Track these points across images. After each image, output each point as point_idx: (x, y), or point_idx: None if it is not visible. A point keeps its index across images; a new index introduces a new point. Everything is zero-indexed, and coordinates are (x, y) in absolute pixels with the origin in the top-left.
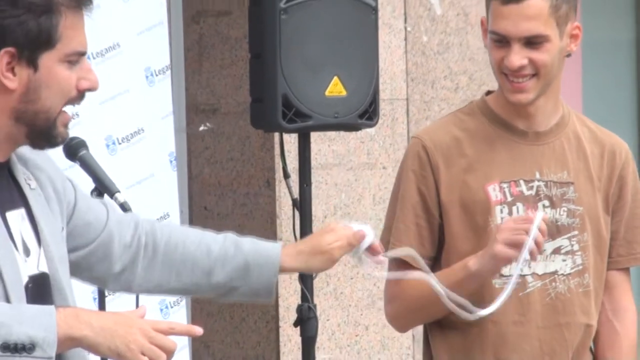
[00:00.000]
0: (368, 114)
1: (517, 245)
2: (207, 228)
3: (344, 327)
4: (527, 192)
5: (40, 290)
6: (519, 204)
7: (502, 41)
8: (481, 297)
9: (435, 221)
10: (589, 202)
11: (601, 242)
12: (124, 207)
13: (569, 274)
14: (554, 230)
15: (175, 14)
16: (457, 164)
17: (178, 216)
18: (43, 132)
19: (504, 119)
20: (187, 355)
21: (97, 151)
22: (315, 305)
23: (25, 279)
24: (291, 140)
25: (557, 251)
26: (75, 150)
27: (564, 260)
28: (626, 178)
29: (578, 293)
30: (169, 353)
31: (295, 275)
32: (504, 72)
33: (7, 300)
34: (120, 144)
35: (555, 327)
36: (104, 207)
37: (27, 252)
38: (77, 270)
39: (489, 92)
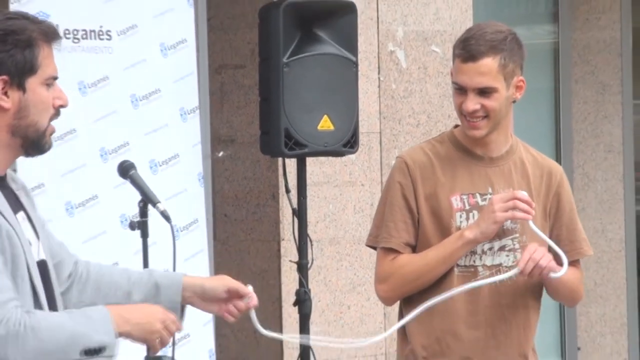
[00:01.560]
0: (350, 144)
1: (510, 209)
2: (227, 231)
3: (331, 307)
4: (481, 203)
5: (43, 272)
6: (475, 211)
7: (461, 90)
8: (441, 283)
9: (415, 220)
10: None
11: (537, 242)
12: (164, 215)
13: (511, 266)
14: (500, 232)
15: (203, 67)
16: (430, 179)
17: (204, 221)
18: (34, 142)
19: (466, 146)
20: (211, 328)
21: (143, 171)
22: (309, 290)
23: (37, 260)
24: (291, 164)
25: (502, 249)
26: (126, 171)
27: (507, 256)
28: (561, 194)
29: (517, 281)
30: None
31: (294, 267)
32: (462, 113)
33: (30, 278)
34: (160, 166)
35: (497, 307)
36: (64, 245)
37: (30, 244)
38: None
39: (456, 126)
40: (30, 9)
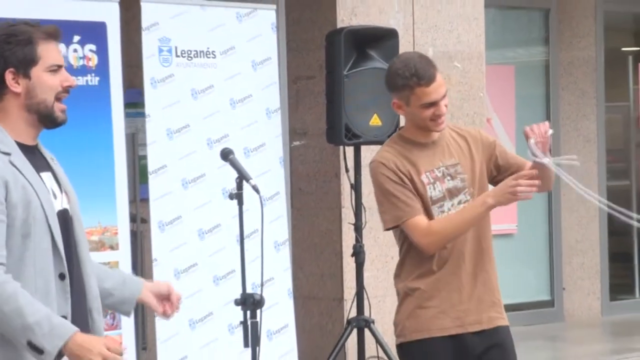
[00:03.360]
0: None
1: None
2: (301, 201)
3: (379, 258)
4: (439, 175)
5: (64, 217)
6: (437, 182)
7: (432, 104)
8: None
9: (413, 191)
10: (470, 171)
11: (483, 187)
12: (255, 188)
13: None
14: (455, 191)
15: (283, 78)
16: (403, 167)
17: (284, 193)
18: (46, 116)
19: (412, 139)
20: (289, 273)
21: (239, 156)
22: (363, 245)
23: (56, 210)
24: (349, 150)
25: (459, 202)
26: (226, 155)
27: (463, 205)
28: (486, 140)
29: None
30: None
31: (352, 227)
32: (432, 119)
33: (47, 223)
34: (252, 152)
35: (462, 242)
36: None
37: (54, 196)
38: None
39: (400, 128)
40: (157, 35)
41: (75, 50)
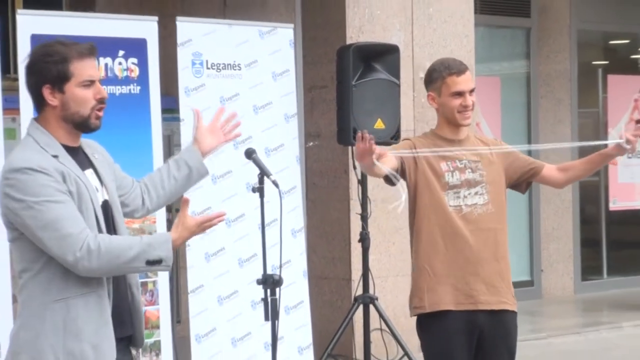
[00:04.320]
0: (395, 137)
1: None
2: (315, 193)
3: (382, 243)
4: (460, 166)
5: (106, 209)
6: (457, 172)
7: (460, 94)
8: (443, 219)
9: (402, 162)
10: (489, 169)
11: (499, 188)
12: (275, 183)
13: (482, 204)
14: (474, 183)
15: (299, 87)
16: (422, 147)
17: (300, 187)
18: (81, 124)
19: (442, 135)
20: (304, 256)
21: (261, 155)
22: (368, 232)
23: (100, 202)
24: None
25: (476, 193)
26: (250, 154)
27: (479, 197)
28: (505, 148)
29: (486, 213)
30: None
31: (358, 217)
32: (459, 110)
33: (95, 214)
34: (272, 151)
35: (476, 230)
36: (128, 176)
37: (96, 189)
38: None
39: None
40: (190, 50)
41: (120, 63)
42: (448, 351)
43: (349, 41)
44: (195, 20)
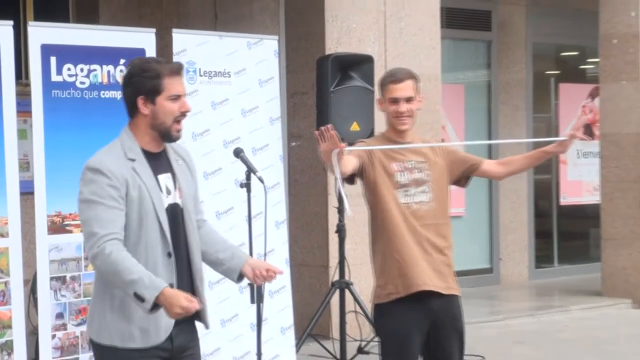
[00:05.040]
0: (369, 138)
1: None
2: (297, 189)
3: (357, 234)
4: (409, 166)
5: (174, 211)
6: (406, 172)
7: (396, 101)
8: (390, 217)
9: (360, 163)
10: (434, 169)
11: (443, 186)
12: (260, 179)
13: (427, 201)
14: (420, 181)
15: (283, 93)
16: (378, 155)
17: (283, 183)
18: (164, 133)
19: (390, 137)
20: (287, 245)
21: (248, 154)
22: (344, 224)
23: (165, 206)
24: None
25: (422, 192)
26: (238, 153)
27: (425, 195)
28: (446, 149)
29: (430, 209)
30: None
31: (335, 210)
32: (395, 116)
33: (157, 216)
34: (258, 150)
35: (424, 225)
36: (202, 211)
37: (168, 192)
38: None
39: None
40: (185, 59)
41: (121, 71)
42: (407, 334)
43: (327, 52)
44: (190, 32)
